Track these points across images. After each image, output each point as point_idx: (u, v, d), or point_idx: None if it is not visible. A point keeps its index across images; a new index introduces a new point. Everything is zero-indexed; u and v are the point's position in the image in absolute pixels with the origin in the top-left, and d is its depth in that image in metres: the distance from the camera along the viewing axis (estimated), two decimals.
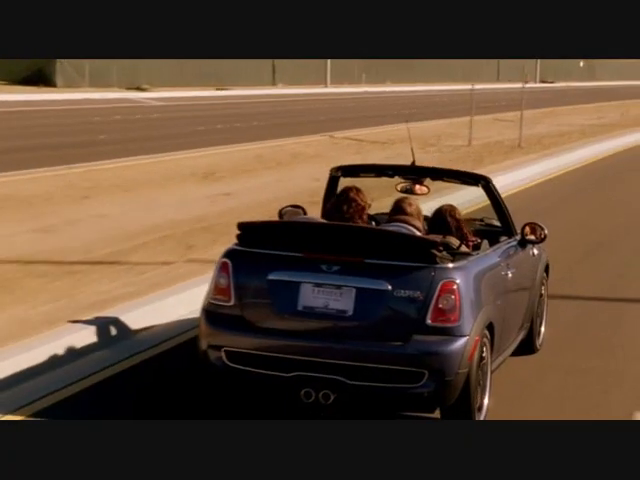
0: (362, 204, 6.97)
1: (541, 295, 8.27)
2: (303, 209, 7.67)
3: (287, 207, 7.75)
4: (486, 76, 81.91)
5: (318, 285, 6.09)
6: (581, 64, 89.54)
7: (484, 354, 6.39)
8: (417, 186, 7.64)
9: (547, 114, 41.54)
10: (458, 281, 6.04)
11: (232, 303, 6.23)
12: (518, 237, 7.75)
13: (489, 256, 6.93)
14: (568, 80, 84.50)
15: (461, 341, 6.00)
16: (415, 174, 7.72)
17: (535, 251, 8.06)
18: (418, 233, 6.82)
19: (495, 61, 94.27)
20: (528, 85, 78.80)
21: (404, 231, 6.71)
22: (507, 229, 7.77)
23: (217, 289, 6.33)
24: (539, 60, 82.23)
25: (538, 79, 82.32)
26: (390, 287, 5.99)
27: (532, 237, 7.76)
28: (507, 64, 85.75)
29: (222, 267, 6.33)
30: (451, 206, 7.55)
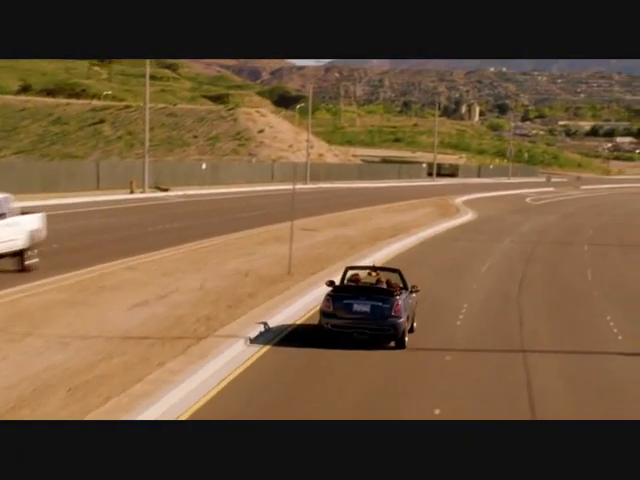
0: (360, 279, 20.92)
1: (414, 312, 21.39)
2: (333, 282, 21.01)
3: (330, 280, 21.30)
4: (84, 179, 61.12)
5: (358, 303, 19.85)
6: (203, 166, 74.08)
7: (407, 323, 20.07)
8: (373, 273, 21.27)
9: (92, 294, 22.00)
10: (400, 302, 19.87)
11: (331, 309, 19.82)
12: (409, 289, 21.11)
13: (405, 295, 20.42)
14: (189, 185, 67.35)
15: (402, 319, 19.64)
16: (373, 269, 21.91)
17: (414, 295, 21.31)
18: (386, 287, 20.48)
19: (94, 162, 72.37)
20: (134, 196, 55.55)
21: (383, 287, 20.56)
22: (406, 286, 21.05)
23: (325, 304, 19.96)
24: (150, 160, 65.39)
25: (148, 185, 62.67)
26: (381, 303, 19.81)
27: (413, 289, 21.14)
28: (110, 165, 67.46)
29: (327, 298, 20.04)
30: (390, 278, 20.85)
